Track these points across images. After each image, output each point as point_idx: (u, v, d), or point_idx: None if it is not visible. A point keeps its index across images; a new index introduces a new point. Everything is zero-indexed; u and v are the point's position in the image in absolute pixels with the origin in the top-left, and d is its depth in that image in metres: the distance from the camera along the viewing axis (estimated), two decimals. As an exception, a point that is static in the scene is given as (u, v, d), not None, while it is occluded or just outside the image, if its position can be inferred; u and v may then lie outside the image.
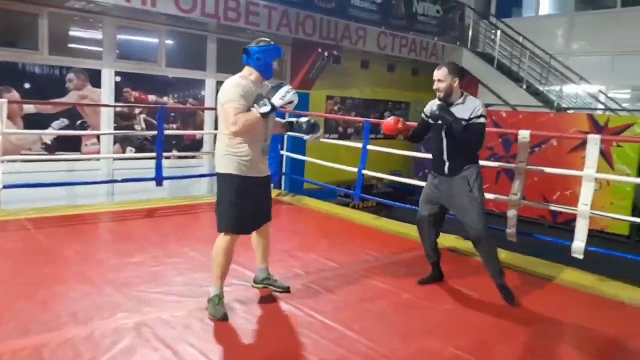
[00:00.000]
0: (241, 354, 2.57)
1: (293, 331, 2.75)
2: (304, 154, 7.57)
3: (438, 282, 3.64)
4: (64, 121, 6.91)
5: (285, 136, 6.95)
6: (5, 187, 4.77)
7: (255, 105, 2.81)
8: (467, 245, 4.54)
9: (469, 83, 12.19)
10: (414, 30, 10.65)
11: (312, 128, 3.30)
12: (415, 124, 3.70)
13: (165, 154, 5.90)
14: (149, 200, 5.81)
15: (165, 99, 7.89)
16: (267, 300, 3.16)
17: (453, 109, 3.27)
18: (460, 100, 3.33)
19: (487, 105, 11.05)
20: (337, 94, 10.47)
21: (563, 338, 2.95)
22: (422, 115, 3.62)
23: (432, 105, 3.46)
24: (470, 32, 11.89)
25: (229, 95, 2.82)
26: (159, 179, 5.73)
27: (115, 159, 7.29)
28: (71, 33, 7.04)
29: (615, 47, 10.75)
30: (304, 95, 9.49)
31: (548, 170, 4.42)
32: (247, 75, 2.94)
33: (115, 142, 7.46)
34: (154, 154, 5.81)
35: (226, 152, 2.91)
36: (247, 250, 3.41)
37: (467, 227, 3.35)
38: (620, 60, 10.68)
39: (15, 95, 6.47)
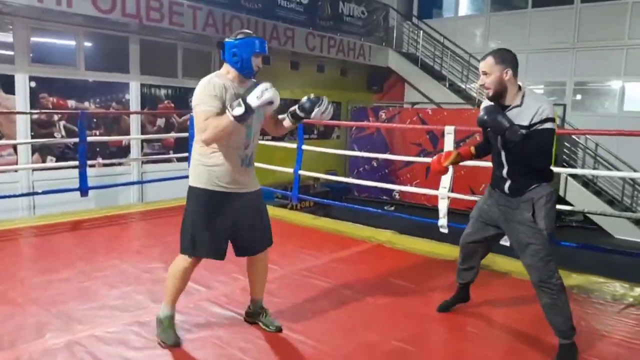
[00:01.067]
0: (182, 365, 2.50)
1: (234, 337, 2.70)
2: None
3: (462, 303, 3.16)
4: (-27, 131, 6.38)
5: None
6: None
7: (228, 107, 2.42)
8: (402, 240, 4.69)
9: (395, 82, 12.60)
10: (341, 31, 10.83)
11: (312, 103, 2.74)
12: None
13: (89, 162, 5.61)
14: (74, 212, 5.49)
15: (86, 104, 7.49)
16: (207, 307, 3.08)
17: (509, 113, 2.50)
18: (518, 100, 2.53)
19: (413, 104, 11.52)
20: (269, 95, 10.43)
21: (503, 325, 3.10)
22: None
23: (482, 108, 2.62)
24: (394, 33, 12.27)
25: (198, 97, 2.46)
26: (83, 189, 5.43)
27: (34, 170, 6.82)
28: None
29: (529, 45, 11.48)
30: (235, 97, 9.39)
31: (475, 163, 4.63)
32: (224, 73, 2.56)
33: (34, 152, 6.98)
34: (76, 163, 5.50)
35: (198, 161, 2.53)
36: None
37: (525, 265, 2.62)
38: (534, 57, 11.41)
39: None
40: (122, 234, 4.98)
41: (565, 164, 9.62)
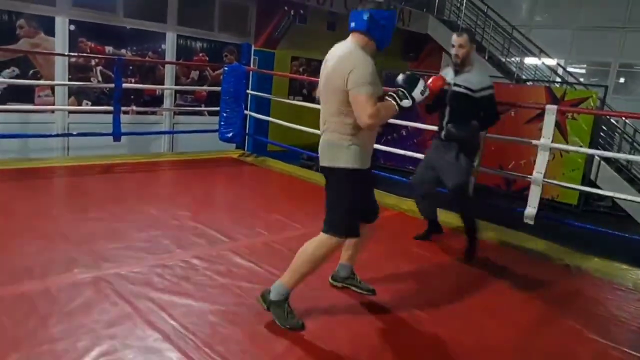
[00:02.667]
0: (200, 307, 2.59)
1: (253, 287, 2.78)
2: (268, 115, 7.48)
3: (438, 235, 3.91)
4: (15, 70, 6.53)
5: (249, 96, 6.82)
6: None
7: (394, 95, 2.39)
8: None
9: (432, 51, 12.25)
10: (381, -6, 10.53)
11: (411, 82, 2.47)
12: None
13: (123, 109, 5.71)
14: (107, 156, 5.64)
15: (123, 51, 7.56)
16: (226, 257, 3.17)
17: (463, 76, 3.42)
18: (468, 68, 3.45)
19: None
20: (303, 55, 10.31)
21: (512, 295, 3.12)
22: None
23: (448, 74, 3.48)
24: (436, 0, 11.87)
25: (360, 76, 2.25)
26: (116, 134, 5.55)
27: (70, 112, 6.98)
28: (21, -25, 6.57)
29: (576, 22, 11.00)
30: (269, 55, 9.31)
31: (506, 139, 4.55)
32: (365, 46, 2.37)
33: (70, 95, 7.12)
34: (111, 108, 5.61)
35: (344, 141, 2.38)
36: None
37: (447, 182, 3.50)
38: (580, 35, 10.96)
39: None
40: (152, 181, 5.11)
41: (599, 147, 9.32)
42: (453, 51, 3.45)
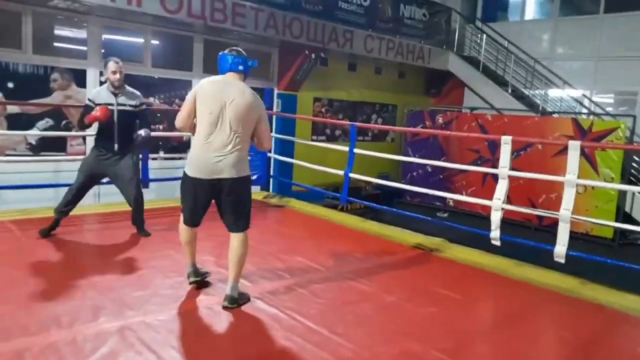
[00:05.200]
0: (224, 357, 2.57)
1: (277, 335, 2.76)
2: (292, 157, 7.58)
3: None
4: (49, 121, 6.84)
5: (273, 139, 6.95)
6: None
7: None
8: (451, 249, 4.60)
9: (454, 86, 12.32)
10: (400, 34, 10.73)
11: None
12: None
13: (151, 156, 5.87)
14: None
15: (151, 99, 7.85)
16: (251, 303, 3.16)
17: (124, 96, 4.22)
18: (125, 87, 4.26)
19: (472, 109, 11.24)
20: (324, 96, 10.51)
21: (541, 337, 3.00)
22: (91, 102, 4.17)
23: (104, 97, 4.18)
24: (456, 36, 12.01)
25: (263, 111, 3.14)
26: (145, 181, 5.70)
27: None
28: (56, 32, 6.98)
29: (598, 52, 10.93)
30: (292, 98, 9.51)
31: (529, 175, 4.49)
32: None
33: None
34: (140, 156, 5.77)
35: (246, 157, 3.11)
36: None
37: (130, 192, 4.28)
38: (604, 65, 10.86)
39: (-2, 95, 6.40)
40: (178, 226, 5.17)
41: (632, 177, 9.06)
42: (117, 77, 4.15)
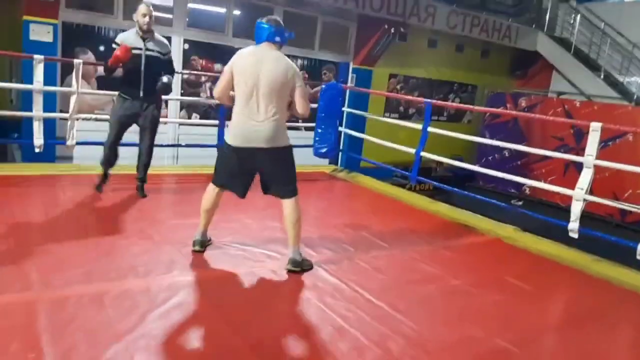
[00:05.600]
0: (285, 321, 2.64)
1: (337, 304, 2.79)
2: (363, 132, 7.52)
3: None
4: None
5: (345, 113, 6.92)
6: (78, 143, 5.06)
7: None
8: (524, 238, 4.41)
9: (542, 68, 11.60)
10: (487, 10, 10.20)
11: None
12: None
13: (227, 122, 6.03)
14: (211, 166, 5.96)
15: (230, 68, 8.02)
16: (312, 271, 3.21)
17: (152, 42, 4.14)
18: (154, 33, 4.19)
19: (559, 94, 10.55)
20: (401, 72, 10.27)
21: (614, 339, 2.82)
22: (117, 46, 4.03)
23: (133, 41, 4.07)
24: (547, 15, 11.24)
25: (301, 81, 3.10)
26: (220, 146, 5.88)
27: (180, 124, 7.54)
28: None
29: None
30: (367, 73, 9.38)
31: (618, 166, 4.15)
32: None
33: (181, 109, 7.71)
34: (216, 122, 5.96)
35: (284, 126, 3.10)
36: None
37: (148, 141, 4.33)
38: None
39: (90, 57, 6.81)
40: (250, 191, 5.33)
41: None
42: (146, 20, 4.05)
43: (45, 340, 2.14)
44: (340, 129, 6.67)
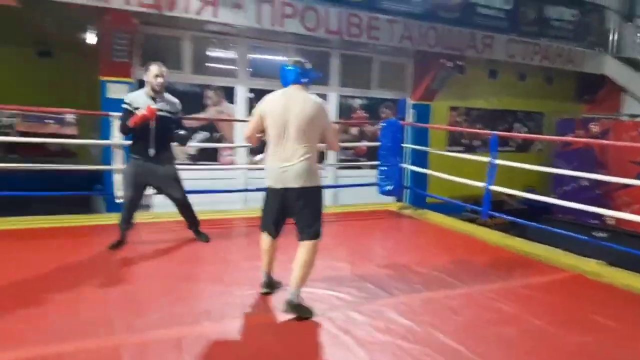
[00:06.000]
0: (361, 365, 2.59)
1: (411, 348, 2.70)
2: (425, 167, 7.43)
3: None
4: (205, 134, 7.58)
5: (407, 149, 6.90)
6: (155, 193, 5.34)
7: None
8: (611, 273, 4.12)
9: (610, 91, 11.06)
10: (546, 36, 9.94)
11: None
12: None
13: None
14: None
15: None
16: (384, 313, 3.14)
17: (163, 101, 4.09)
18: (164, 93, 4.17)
19: (633, 116, 9.97)
20: (462, 104, 10.14)
21: None
22: (129, 106, 4.05)
23: (146, 102, 4.02)
24: (613, 36, 10.79)
25: (328, 119, 3.18)
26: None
27: (249, 169, 7.77)
28: (209, 54, 7.72)
29: None
30: (426, 107, 9.34)
31: None
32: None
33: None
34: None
35: (315, 167, 3.13)
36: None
37: (178, 197, 4.31)
38: None
39: (163, 111, 7.25)
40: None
41: None
42: (159, 81, 4.04)
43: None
44: (403, 165, 6.64)
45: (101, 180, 6.98)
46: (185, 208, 4.40)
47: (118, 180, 5.15)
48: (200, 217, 4.83)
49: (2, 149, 10.71)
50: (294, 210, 3.11)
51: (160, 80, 4.04)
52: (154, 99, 4.06)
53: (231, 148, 7.85)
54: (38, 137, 7.97)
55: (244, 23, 6.96)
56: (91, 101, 7.01)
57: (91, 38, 7.16)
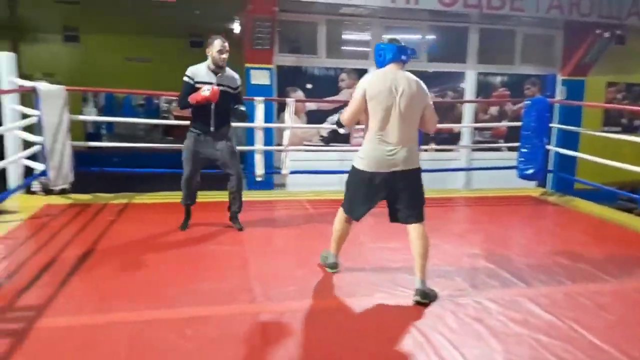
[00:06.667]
0: (493, 353, 2.47)
1: (553, 344, 2.51)
2: (576, 150, 6.77)
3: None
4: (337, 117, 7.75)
5: (554, 130, 6.33)
6: (291, 172, 5.64)
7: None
8: None
9: None
10: None
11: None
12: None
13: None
14: (497, 190, 6.05)
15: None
16: (521, 304, 2.96)
17: (224, 77, 3.99)
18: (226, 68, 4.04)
19: None
20: (621, 80, 8.99)
21: None
22: (190, 80, 3.93)
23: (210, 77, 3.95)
24: None
25: (429, 97, 3.07)
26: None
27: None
28: (343, 37, 7.82)
29: None
30: (578, 84, 8.45)
31: None
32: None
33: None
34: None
35: (417, 147, 3.06)
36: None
37: (236, 170, 4.13)
38: None
39: (300, 94, 7.56)
40: (446, 216, 5.23)
41: None
42: (225, 56, 3.92)
43: (270, 349, 2.40)
44: (548, 147, 6.12)
45: (244, 159, 7.55)
46: (238, 185, 4.18)
47: (259, 160, 5.52)
48: (329, 197, 4.97)
49: (160, 131, 12.15)
50: (397, 194, 3.01)
51: (224, 55, 3.92)
52: (215, 73, 3.96)
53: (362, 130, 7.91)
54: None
55: (377, 3, 6.92)
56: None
57: (236, 27, 7.71)
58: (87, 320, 2.63)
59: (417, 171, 3.05)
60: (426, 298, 2.94)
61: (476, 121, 8.22)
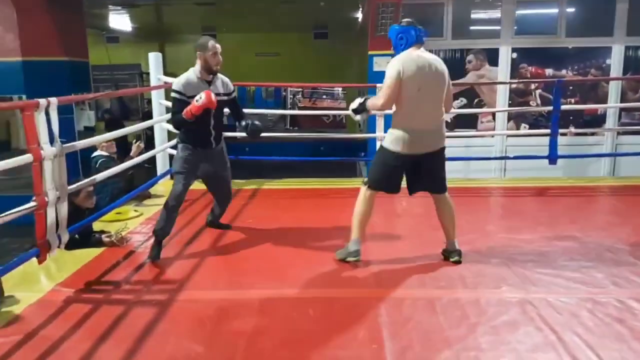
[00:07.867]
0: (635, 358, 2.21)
1: None
2: None
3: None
4: (463, 100, 7.43)
5: None
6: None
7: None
8: None
9: None
10: None
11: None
12: None
13: (561, 131, 5.56)
14: (542, 179, 5.63)
15: (563, 72, 7.38)
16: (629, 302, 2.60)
17: (217, 83, 3.47)
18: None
19: None
20: None
21: None
22: (182, 96, 3.36)
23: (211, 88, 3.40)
24: None
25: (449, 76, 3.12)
26: (552, 157, 5.46)
27: (509, 136, 7.36)
28: (472, 16, 7.43)
29: None
30: None
31: None
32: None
33: (509, 119, 7.52)
34: (548, 131, 5.57)
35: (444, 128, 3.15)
36: None
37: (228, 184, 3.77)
38: None
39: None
40: (587, 207, 4.77)
41: None
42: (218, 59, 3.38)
43: (386, 334, 2.40)
44: None
45: (365, 148, 7.60)
46: (229, 191, 3.81)
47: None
48: (453, 185, 4.80)
49: (286, 122, 12.72)
50: (428, 171, 3.16)
51: (220, 58, 3.36)
52: (208, 82, 3.39)
53: (492, 114, 7.49)
54: (316, 111, 9.14)
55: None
56: (360, 77, 7.64)
57: (360, 16, 7.75)
58: (220, 295, 2.88)
59: (444, 150, 3.19)
60: (460, 256, 3.23)
61: (624, 101, 7.32)
